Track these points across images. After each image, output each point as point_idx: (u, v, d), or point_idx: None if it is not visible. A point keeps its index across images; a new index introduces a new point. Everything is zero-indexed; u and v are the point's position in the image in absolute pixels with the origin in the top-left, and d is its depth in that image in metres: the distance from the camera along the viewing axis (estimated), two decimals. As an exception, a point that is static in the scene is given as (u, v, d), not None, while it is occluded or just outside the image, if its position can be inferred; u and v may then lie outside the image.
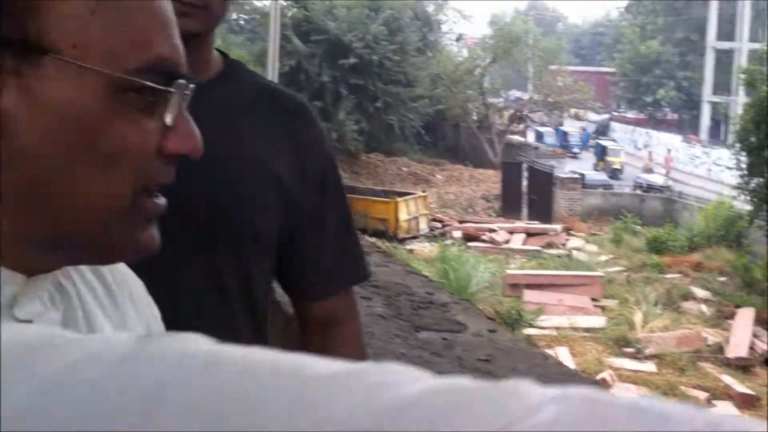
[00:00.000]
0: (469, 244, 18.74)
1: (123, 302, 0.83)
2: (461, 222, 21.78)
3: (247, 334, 1.33)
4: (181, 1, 1.15)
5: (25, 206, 0.65)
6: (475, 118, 34.78)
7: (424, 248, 18.22)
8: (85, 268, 0.78)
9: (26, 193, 0.65)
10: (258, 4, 31.81)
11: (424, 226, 20.50)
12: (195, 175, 1.06)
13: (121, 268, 0.85)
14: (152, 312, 0.89)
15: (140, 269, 1.02)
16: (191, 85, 0.68)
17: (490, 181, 28.76)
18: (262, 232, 1.31)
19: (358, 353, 1.50)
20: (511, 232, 20.28)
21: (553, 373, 2.26)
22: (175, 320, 1.02)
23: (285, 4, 25.27)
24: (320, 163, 1.39)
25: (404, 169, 29.01)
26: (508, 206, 25.21)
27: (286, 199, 1.32)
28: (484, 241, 19.41)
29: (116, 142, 0.65)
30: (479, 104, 34.99)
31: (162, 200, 0.70)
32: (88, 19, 0.62)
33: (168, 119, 0.66)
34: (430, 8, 35.69)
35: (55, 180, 0.65)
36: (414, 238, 19.66)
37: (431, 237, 19.75)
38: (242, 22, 36.27)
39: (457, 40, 38.04)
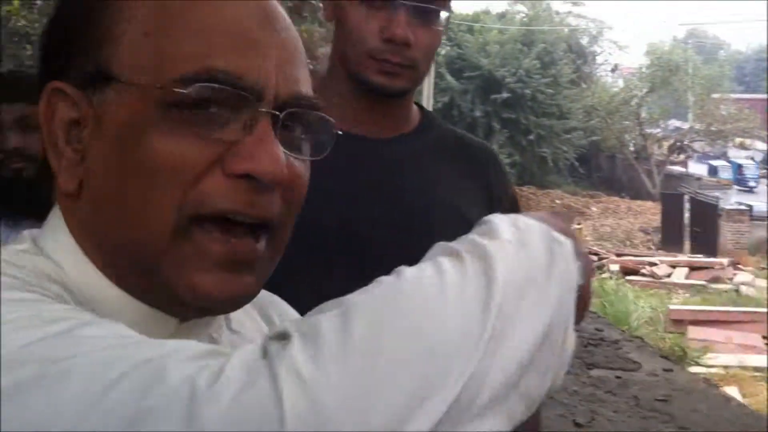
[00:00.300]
0: (628, 277, 18.19)
1: None
2: (618, 255, 21.17)
3: None
4: (390, 61, 1.24)
5: (91, 235, 0.64)
6: (632, 148, 33.94)
7: None
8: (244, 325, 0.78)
9: (92, 221, 0.64)
10: None
11: (579, 259, 20.18)
12: (394, 220, 1.27)
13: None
14: None
15: (349, 282, 1.18)
16: (267, 110, 0.62)
17: (649, 213, 27.86)
18: None
19: None
20: (673, 266, 19.50)
21: (736, 415, 2.23)
22: None
23: (438, 42, 25.88)
24: (509, 202, 1.43)
25: (557, 201, 28.63)
26: (669, 239, 24.32)
27: None
28: (643, 274, 18.78)
29: (159, 157, 0.60)
30: (636, 135, 34.12)
31: (233, 245, 0.62)
32: (141, 42, 0.61)
33: (230, 136, 0.61)
34: (584, 40, 35.28)
35: (110, 205, 0.63)
36: None
37: (588, 271, 19.36)
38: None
39: (613, 70, 37.27)
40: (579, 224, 22.34)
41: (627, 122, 33.82)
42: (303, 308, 0.87)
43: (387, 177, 1.32)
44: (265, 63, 0.61)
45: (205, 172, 0.60)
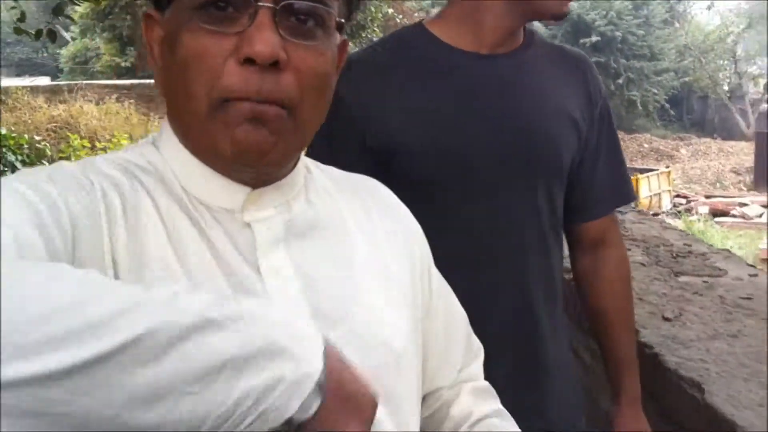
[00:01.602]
0: (717, 219, 17.99)
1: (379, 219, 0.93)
2: (708, 197, 20.89)
3: (554, 245, 1.51)
4: None
5: (173, 123, 0.82)
6: (726, 88, 32.80)
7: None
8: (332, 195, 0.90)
9: (170, 112, 0.81)
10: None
11: (667, 203, 19.89)
12: (526, 119, 1.41)
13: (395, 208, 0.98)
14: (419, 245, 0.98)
15: (471, 199, 1.34)
16: (265, 4, 0.72)
17: (742, 153, 27.16)
18: (565, 165, 1.48)
19: (625, 275, 1.65)
20: (766, 206, 19.12)
21: None
22: (501, 237, 1.36)
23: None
24: (602, 106, 1.55)
25: (645, 145, 28.14)
26: (762, 179, 23.52)
27: (579, 136, 1.49)
28: (733, 215, 18.52)
29: (189, 52, 0.73)
30: (731, 73, 32.97)
31: (257, 106, 0.73)
32: None
33: (237, 28, 0.72)
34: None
35: (168, 90, 0.78)
36: (656, 215, 19.09)
37: (675, 213, 19.17)
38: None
39: (708, 8, 35.91)
40: (668, 167, 22.04)
41: (721, 61, 32.86)
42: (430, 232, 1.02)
43: (510, 90, 1.44)
44: None
45: (224, 63, 0.72)
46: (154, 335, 0.52)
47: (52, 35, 5.55)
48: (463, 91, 1.41)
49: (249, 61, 0.71)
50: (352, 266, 0.86)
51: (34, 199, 0.68)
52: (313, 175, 0.92)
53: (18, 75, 32.04)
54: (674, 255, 2.90)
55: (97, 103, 13.01)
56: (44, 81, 20.72)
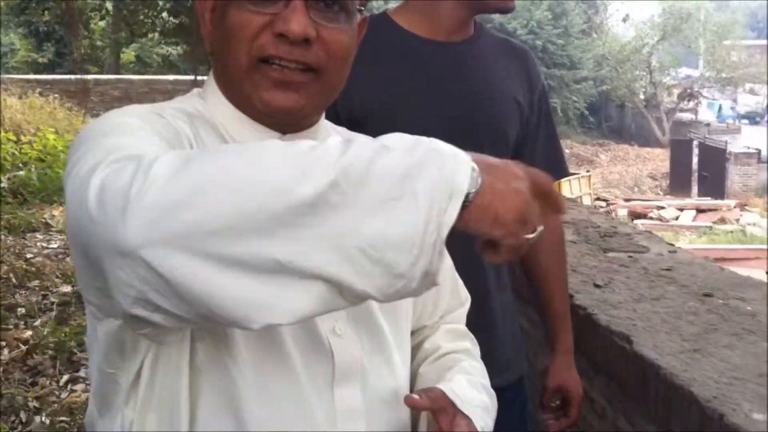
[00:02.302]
0: (636, 221, 18.57)
1: None
2: (627, 200, 21.55)
3: None
4: None
5: (220, 77, 0.98)
6: (642, 97, 33.90)
7: None
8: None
9: (217, 68, 0.97)
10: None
11: (588, 205, 20.48)
12: (471, 100, 1.62)
13: None
14: None
15: None
16: None
17: (658, 159, 28.08)
18: (511, 140, 1.70)
19: (559, 237, 1.87)
20: (681, 209, 19.65)
21: (726, 278, 2.49)
22: None
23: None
24: (540, 90, 1.78)
25: (567, 151, 28.79)
26: (678, 184, 24.49)
27: (521, 116, 1.72)
28: (651, 218, 19.12)
29: (235, 21, 0.90)
30: (647, 83, 34.04)
31: (284, 73, 0.90)
32: None
33: (274, 9, 0.88)
34: (596, -10, 35.23)
35: (218, 51, 0.95)
36: None
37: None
38: None
39: (624, 20, 37.14)
40: (588, 172, 22.66)
41: (637, 71, 33.79)
42: None
43: (461, 72, 1.65)
44: None
45: (260, 32, 0.89)
46: (352, 166, 0.69)
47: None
48: (418, 71, 1.62)
49: (282, 37, 0.88)
50: None
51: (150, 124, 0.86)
52: (333, 132, 1.10)
53: None
54: (602, 235, 3.16)
55: (20, 97, 12.73)
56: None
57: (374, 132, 1.50)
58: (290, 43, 0.88)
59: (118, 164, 0.71)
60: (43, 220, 8.15)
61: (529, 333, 2.43)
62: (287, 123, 0.97)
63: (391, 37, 1.65)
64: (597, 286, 2.44)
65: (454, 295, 1.19)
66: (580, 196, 20.06)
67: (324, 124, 1.07)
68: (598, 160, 28.57)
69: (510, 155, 1.69)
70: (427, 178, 0.70)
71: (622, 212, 19.46)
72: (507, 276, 1.81)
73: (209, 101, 0.99)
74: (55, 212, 8.57)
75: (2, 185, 9.17)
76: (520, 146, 1.73)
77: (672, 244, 3.05)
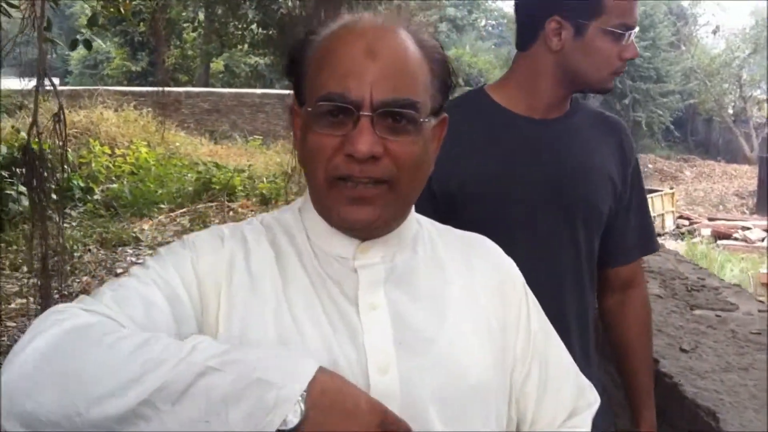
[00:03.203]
0: (719, 242, 17.92)
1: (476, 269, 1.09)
2: (711, 219, 20.88)
3: (589, 285, 1.72)
4: (620, 72, 1.63)
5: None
6: (730, 111, 32.92)
7: (669, 246, 17.61)
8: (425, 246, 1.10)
9: (305, 175, 1.02)
10: (507, 9, 32.42)
11: (670, 224, 19.87)
12: (567, 177, 1.64)
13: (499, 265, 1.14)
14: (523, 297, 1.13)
15: (518, 240, 1.45)
16: (365, 113, 0.92)
17: (745, 176, 27.20)
18: (603, 214, 1.70)
19: (647, 314, 1.87)
20: (767, 230, 19.14)
21: None
22: (544, 274, 1.49)
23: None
24: (634, 165, 1.79)
25: (650, 166, 28.18)
26: (765, 203, 23.51)
27: (614, 191, 1.72)
28: (735, 239, 18.46)
29: (312, 143, 0.96)
30: (736, 97, 33.07)
31: (357, 191, 0.95)
32: (308, 79, 0.99)
33: (344, 131, 0.93)
34: (686, 2, 34.42)
35: (304, 168, 1.00)
36: (659, 235, 19.02)
37: (678, 235, 19.16)
38: (490, 28, 37.01)
39: (714, 32, 36.09)
40: (671, 188, 22.09)
41: (727, 84, 32.90)
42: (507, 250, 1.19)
43: (556, 149, 1.66)
44: (360, 85, 0.92)
45: (334, 154, 0.94)
46: (171, 384, 0.79)
47: (88, 44, 5.73)
48: (515, 149, 1.65)
49: (352, 157, 0.93)
50: (445, 307, 1.04)
51: (169, 275, 0.98)
52: (423, 229, 1.12)
53: (27, 76, 32.13)
54: (689, 289, 3.11)
55: (116, 110, 13.19)
56: (54, 81, 20.88)
57: (470, 209, 1.62)
58: (359, 161, 0.92)
59: (59, 312, 0.88)
60: (134, 234, 8.40)
61: (610, 393, 2.43)
62: (366, 232, 1.01)
63: (488, 113, 1.68)
64: (683, 351, 2.42)
65: (578, 396, 1.16)
66: (663, 214, 19.60)
67: (409, 225, 1.09)
68: (682, 176, 27.82)
69: (602, 230, 1.73)
70: (241, 410, 0.78)
71: (706, 232, 18.89)
72: (593, 349, 1.80)
73: (304, 211, 1.07)
74: (145, 226, 8.87)
75: (96, 197, 9.55)
76: (612, 221, 1.74)
77: (762, 301, 2.99)
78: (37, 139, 3.94)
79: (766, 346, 2.40)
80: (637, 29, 1.63)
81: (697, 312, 2.82)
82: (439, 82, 1.02)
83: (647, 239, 1.84)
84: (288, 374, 0.81)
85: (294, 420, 0.78)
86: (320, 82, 0.95)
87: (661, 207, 19.41)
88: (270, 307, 0.97)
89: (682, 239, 18.04)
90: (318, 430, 0.79)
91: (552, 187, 1.63)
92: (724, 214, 22.74)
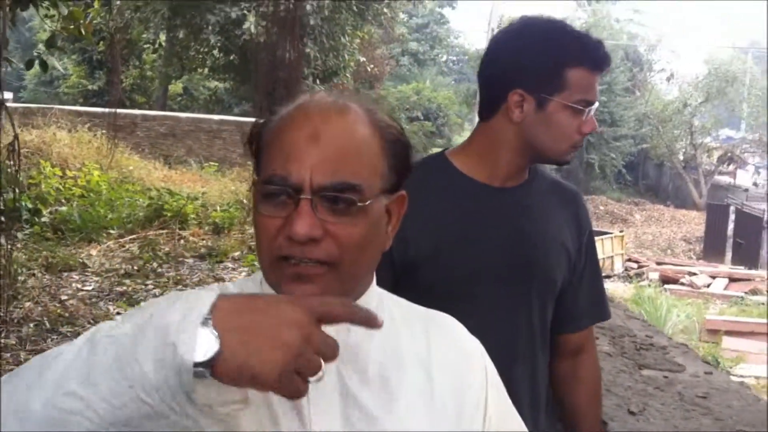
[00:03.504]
0: (666, 286, 18.11)
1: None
2: (659, 263, 21.27)
3: (541, 350, 1.74)
4: (578, 146, 1.67)
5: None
6: (681, 158, 33.66)
7: (618, 288, 17.96)
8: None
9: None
10: (467, 46, 32.96)
11: (619, 266, 20.16)
12: (523, 246, 1.67)
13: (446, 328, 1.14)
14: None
15: (473, 310, 1.47)
16: (305, 196, 0.93)
17: (693, 222, 27.81)
18: (557, 283, 1.74)
19: (597, 378, 1.91)
20: (713, 277, 19.25)
21: (761, 411, 2.45)
22: (496, 342, 1.35)
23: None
24: (588, 234, 1.82)
25: (601, 207, 28.71)
26: (711, 250, 24.09)
27: (568, 260, 1.75)
28: (682, 284, 18.76)
29: (258, 223, 0.98)
30: (687, 143, 33.77)
31: (299, 268, 0.95)
32: (262, 158, 1.00)
33: (285, 213, 0.94)
34: (642, 48, 35.33)
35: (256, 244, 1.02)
36: (608, 277, 19.27)
37: (626, 277, 19.42)
38: (451, 64, 37.59)
39: (668, 79, 37.05)
40: (621, 231, 22.47)
41: (678, 131, 33.58)
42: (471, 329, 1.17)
43: (513, 218, 1.70)
44: (301, 168, 0.94)
45: (276, 235, 0.95)
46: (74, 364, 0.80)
47: (44, 66, 5.64)
48: (473, 216, 1.67)
49: (292, 239, 0.93)
50: (399, 391, 1.02)
51: None
52: (383, 304, 1.09)
53: (-19, 88, 31.56)
54: (638, 347, 3.18)
55: (69, 131, 13.01)
56: (7, 96, 20.65)
57: (428, 276, 1.63)
58: (300, 243, 0.93)
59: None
60: (81, 260, 8.26)
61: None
62: None
63: (447, 179, 1.70)
64: (632, 413, 2.45)
65: None
66: (612, 256, 19.91)
67: (367, 300, 1.06)
68: (632, 219, 28.36)
69: (555, 299, 1.75)
70: (149, 356, 0.75)
71: (654, 275, 19.19)
72: (544, 421, 1.82)
73: (263, 283, 1.04)
74: (93, 251, 8.72)
75: (44, 220, 9.35)
76: (566, 289, 1.77)
77: (708, 363, 3.05)
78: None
79: (711, 410, 2.45)
80: (596, 105, 1.66)
81: (645, 372, 2.88)
82: (394, 160, 1.02)
83: (599, 307, 1.87)
84: (184, 309, 0.78)
85: (213, 348, 0.75)
86: (267, 163, 0.97)
87: (610, 249, 19.72)
88: None
89: (630, 282, 18.31)
90: (241, 353, 0.75)
91: (507, 255, 1.66)
92: (672, 258, 23.21)
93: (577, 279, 1.79)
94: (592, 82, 1.64)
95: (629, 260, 21.11)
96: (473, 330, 1.17)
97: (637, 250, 23.48)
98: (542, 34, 1.67)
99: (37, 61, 5.53)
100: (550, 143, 1.65)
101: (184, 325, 0.76)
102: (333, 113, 0.98)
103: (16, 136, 3.73)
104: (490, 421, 1.10)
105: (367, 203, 0.97)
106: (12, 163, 3.94)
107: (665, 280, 18.84)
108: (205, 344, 0.75)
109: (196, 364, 0.74)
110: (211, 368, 0.75)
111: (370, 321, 0.86)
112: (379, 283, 1.12)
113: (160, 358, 0.75)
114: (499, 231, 1.66)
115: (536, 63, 1.64)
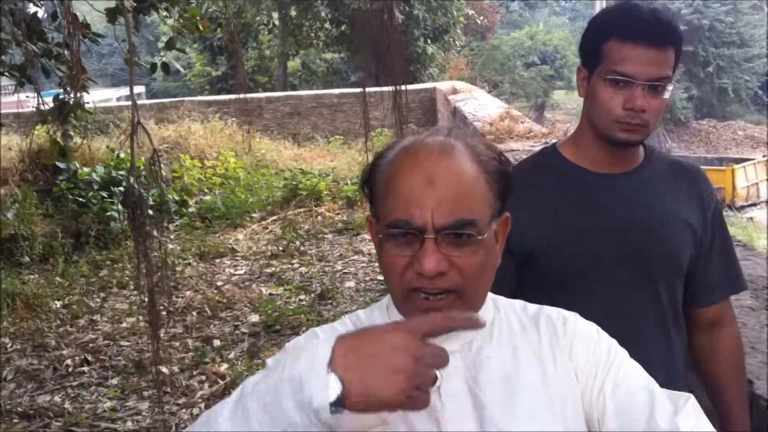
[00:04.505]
0: None
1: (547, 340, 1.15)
2: None
3: (674, 328, 1.75)
4: (630, 123, 1.63)
5: None
6: (823, 70, 31.47)
7: (763, 218, 16.75)
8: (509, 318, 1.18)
9: None
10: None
11: (764, 193, 19.23)
12: (644, 228, 1.69)
13: (575, 327, 1.17)
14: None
15: (595, 296, 1.60)
16: (429, 236, 1.04)
17: (844, 136, 25.97)
18: (683, 263, 1.75)
19: (738, 350, 1.87)
20: None
21: None
22: (624, 327, 1.39)
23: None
24: (714, 209, 1.80)
25: (740, 133, 27.22)
26: None
27: (694, 237, 1.75)
28: None
29: (386, 261, 1.09)
30: (828, 55, 31.57)
31: (429, 303, 1.06)
32: (380, 202, 1.11)
33: (412, 251, 1.05)
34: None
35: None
36: (754, 205, 18.51)
37: (773, 204, 18.51)
38: (563, 2, 36.39)
39: (800, -12, 34.38)
40: (764, 156, 21.23)
41: (817, 43, 31.41)
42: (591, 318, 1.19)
43: (623, 203, 1.71)
44: (423, 212, 1.04)
45: (405, 270, 1.06)
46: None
47: (166, 68, 6.03)
48: (583, 204, 1.72)
49: (421, 273, 1.04)
50: (519, 389, 1.10)
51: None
52: (501, 313, 1.19)
53: (113, 85, 33.45)
54: (784, 298, 2.95)
55: (202, 122, 13.57)
56: (140, 90, 21.85)
57: (546, 265, 1.71)
58: (428, 277, 1.03)
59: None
60: (230, 246, 8.66)
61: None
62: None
63: (557, 170, 1.77)
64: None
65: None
66: (757, 183, 18.92)
67: (484, 311, 1.16)
68: (774, 142, 26.74)
69: (683, 276, 1.77)
70: (288, 400, 0.88)
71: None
72: (681, 371, 1.83)
73: (390, 308, 1.17)
74: (240, 236, 9.15)
75: (191, 210, 9.93)
76: (695, 264, 1.78)
77: None
78: (134, 181, 4.20)
79: None
80: (645, 81, 1.61)
81: (795, 325, 2.69)
82: (498, 188, 1.11)
83: (732, 280, 1.86)
84: (311, 360, 0.88)
85: (338, 389, 0.85)
86: (388, 208, 1.08)
87: (754, 176, 18.74)
88: None
89: (777, 209, 17.38)
90: (363, 387, 0.85)
91: (620, 242, 1.69)
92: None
93: (706, 253, 1.79)
94: (632, 55, 1.60)
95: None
96: (595, 314, 1.20)
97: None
98: (603, 9, 1.73)
99: (160, 65, 5.89)
100: (596, 118, 1.69)
101: (312, 376, 0.87)
102: (441, 156, 1.08)
103: (154, 156, 4.07)
104: (613, 393, 1.10)
105: (485, 236, 1.07)
106: (151, 163, 4.30)
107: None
108: (331, 387, 0.86)
109: (331, 404, 0.86)
110: (342, 404, 0.86)
111: (471, 323, 0.95)
112: (502, 284, 1.22)
113: (300, 405, 0.87)
114: (609, 219, 1.69)
115: (583, 38, 1.72)
